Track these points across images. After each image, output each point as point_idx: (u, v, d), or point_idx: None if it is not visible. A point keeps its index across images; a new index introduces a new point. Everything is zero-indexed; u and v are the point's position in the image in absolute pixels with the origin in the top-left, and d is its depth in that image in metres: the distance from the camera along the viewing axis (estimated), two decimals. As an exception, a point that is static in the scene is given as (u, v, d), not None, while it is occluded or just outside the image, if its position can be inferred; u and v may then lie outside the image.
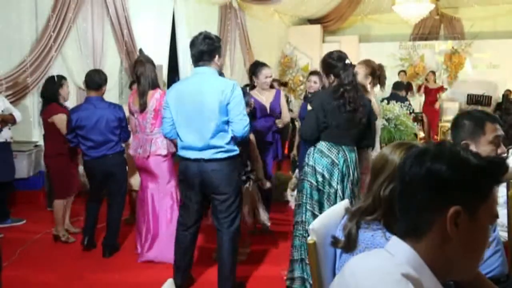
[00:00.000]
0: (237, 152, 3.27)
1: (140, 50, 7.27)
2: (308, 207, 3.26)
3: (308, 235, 3.14)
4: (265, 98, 4.55)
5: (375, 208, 1.71)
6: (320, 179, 3.25)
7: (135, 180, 5.07)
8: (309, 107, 3.40)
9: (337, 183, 3.25)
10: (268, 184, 4.15)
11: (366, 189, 1.80)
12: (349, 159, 3.30)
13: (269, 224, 4.29)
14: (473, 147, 1.98)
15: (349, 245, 1.68)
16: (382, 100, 5.17)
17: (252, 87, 4.69)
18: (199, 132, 3.14)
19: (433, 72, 10.68)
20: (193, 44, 3.23)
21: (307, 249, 3.13)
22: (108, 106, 4.13)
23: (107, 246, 4.19)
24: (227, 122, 3.16)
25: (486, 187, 1.04)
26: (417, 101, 11.05)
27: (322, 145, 3.30)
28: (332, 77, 3.35)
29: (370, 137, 3.50)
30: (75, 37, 6.45)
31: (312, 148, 3.34)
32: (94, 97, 4.11)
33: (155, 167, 3.99)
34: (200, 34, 3.25)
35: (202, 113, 3.12)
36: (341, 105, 3.21)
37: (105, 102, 4.16)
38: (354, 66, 3.39)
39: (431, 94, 10.37)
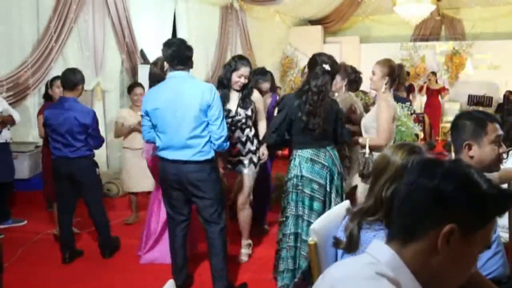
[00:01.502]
0: (213, 155, 3.27)
1: (141, 51, 7.31)
2: (305, 218, 3.24)
3: (297, 246, 3.20)
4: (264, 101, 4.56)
5: (377, 209, 1.71)
6: (316, 187, 3.25)
7: (132, 183, 5.09)
8: (276, 112, 3.39)
9: (330, 185, 3.28)
10: (265, 153, 4.07)
11: (368, 190, 1.80)
12: (334, 157, 3.33)
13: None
14: (475, 148, 1.98)
15: (351, 245, 1.68)
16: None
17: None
18: (178, 133, 3.16)
19: (434, 73, 10.68)
20: (172, 45, 3.27)
21: (297, 258, 3.19)
22: (77, 110, 3.96)
23: (105, 248, 4.18)
24: (206, 125, 3.17)
25: (489, 215, 1.04)
26: (418, 102, 11.05)
27: (308, 152, 3.29)
28: (306, 70, 3.40)
29: (345, 133, 3.48)
30: (76, 38, 6.46)
31: (299, 158, 3.30)
32: (67, 98, 3.98)
33: None
34: (177, 39, 3.35)
35: (181, 114, 3.14)
36: (301, 103, 3.24)
37: (77, 104, 4.00)
38: (333, 75, 3.35)
39: (433, 95, 10.36)
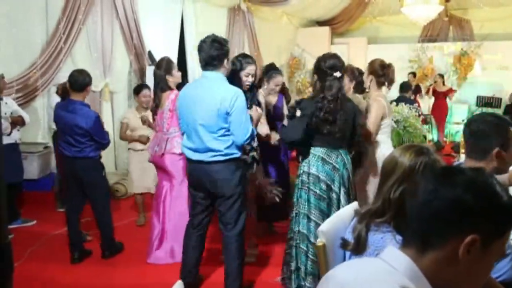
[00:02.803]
0: (238, 155, 3.26)
1: (149, 53, 7.33)
2: (312, 217, 3.22)
3: (307, 246, 3.19)
4: (272, 101, 4.54)
5: (385, 211, 1.70)
6: (324, 187, 3.23)
7: (135, 183, 5.12)
8: (298, 113, 3.36)
9: (339, 188, 3.24)
10: (272, 136, 4.02)
11: (376, 192, 1.79)
12: (346, 161, 3.31)
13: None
14: (504, 154, 1.97)
15: (359, 247, 1.67)
16: (391, 102, 5.14)
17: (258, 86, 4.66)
18: (198, 135, 3.18)
19: (441, 75, 10.60)
20: (201, 48, 3.23)
21: (307, 258, 3.17)
22: (79, 114, 3.96)
23: (105, 248, 4.20)
24: (228, 129, 3.16)
25: (508, 226, 1.05)
26: (425, 103, 10.99)
27: (320, 151, 3.27)
28: (315, 77, 3.33)
29: (358, 137, 3.48)
30: (84, 39, 6.49)
31: (310, 156, 3.29)
32: (74, 101, 4.00)
33: (170, 166, 4.02)
34: (208, 37, 3.25)
35: (201, 117, 3.15)
36: (319, 113, 3.20)
37: (80, 108, 3.99)
38: (341, 78, 3.31)
39: (440, 97, 10.30)
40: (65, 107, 4.06)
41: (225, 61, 3.25)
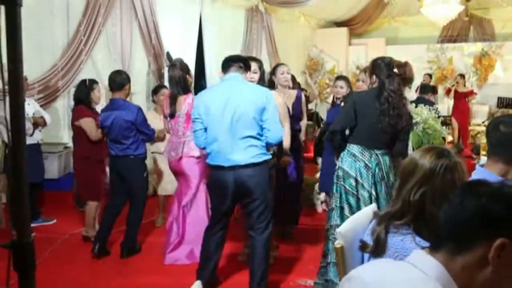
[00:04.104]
0: (270, 157, 3.27)
1: (168, 53, 7.37)
2: (346, 212, 3.24)
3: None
4: (286, 98, 4.48)
5: (404, 213, 1.69)
6: (353, 183, 3.25)
7: (166, 185, 5.15)
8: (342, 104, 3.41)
9: (371, 186, 3.23)
10: (288, 159, 4.03)
11: (395, 194, 1.78)
12: (382, 162, 3.29)
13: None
14: None
15: (378, 249, 1.66)
16: (411, 103, 5.09)
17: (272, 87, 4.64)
18: (231, 138, 3.12)
19: (462, 76, 10.43)
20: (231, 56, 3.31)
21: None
22: (123, 108, 4.13)
23: (124, 247, 4.24)
24: (261, 128, 3.15)
25: None
26: (445, 105, 10.86)
27: (354, 148, 3.30)
28: (374, 78, 3.37)
29: (404, 146, 3.45)
30: (104, 41, 6.59)
31: (345, 152, 3.34)
32: (115, 99, 4.18)
33: (188, 169, 4.03)
34: None
35: (237, 117, 3.10)
36: (385, 109, 3.22)
37: (123, 103, 4.17)
38: (400, 76, 3.36)
39: (460, 98, 10.14)
40: (110, 106, 4.23)
41: (248, 73, 3.35)
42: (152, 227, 5.06)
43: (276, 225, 4.46)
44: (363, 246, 1.73)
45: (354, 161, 3.27)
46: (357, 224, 1.92)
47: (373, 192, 3.23)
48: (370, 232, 1.75)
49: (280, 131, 3.20)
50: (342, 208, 3.29)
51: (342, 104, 3.45)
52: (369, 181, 3.24)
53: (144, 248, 4.42)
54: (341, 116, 3.43)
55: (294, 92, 4.59)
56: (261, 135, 3.16)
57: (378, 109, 3.23)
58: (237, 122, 3.10)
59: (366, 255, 1.79)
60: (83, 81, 4.67)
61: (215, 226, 3.38)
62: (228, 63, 3.25)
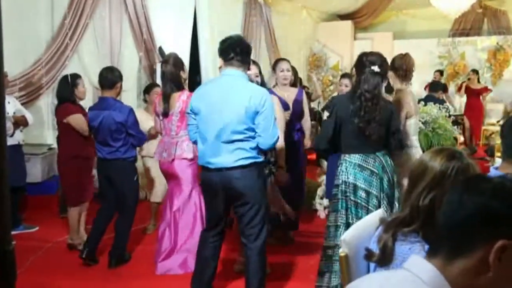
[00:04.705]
0: (261, 159, 3.26)
1: (160, 48, 7.38)
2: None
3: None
4: (286, 96, 4.51)
5: (413, 219, 1.69)
6: (363, 195, 3.24)
7: (154, 192, 5.14)
8: (325, 115, 3.39)
9: (379, 192, 3.24)
10: (284, 175, 3.98)
11: (403, 198, 1.78)
12: (385, 164, 3.30)
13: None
14: None
15: (384, 258, 1.66)
16: (418, 102, 5.10)
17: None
18: (221, 138, 3.13)
19: (476, 71, 10.44)
20: (232, 39, 3.25)
21: None
22: (113, 108, 4.10)
23: (113, 256, 4.22)
24: (253, 130, 3.14)
25: None
26: (457, 103, 10.86)
27: (356, 158, 3.29)
28: (354, 72, 3.41)
29: (398, 140, 3.46)
30: (91, 35, 6.57)
31: (346, 164, 3.31)
32: (105, 97, 4.18)
33: (180, 172, 4.03)
34: (236, 35, 3.34)
35: (227, 117, 3.11)
36: (355, 110, 3.22)
37: (114, 103, 4.15)
38: (383, 75, 3.36)
39: (473, 96, 10.15)
40: (99, 105, 4.23)
41: (250, 62, 3.30)
42: (143, 234, 5.06)
43: (276, 230, 4.50)
44: (368, 255, 1.73)
45: (360, 171, 3.25)
46: (362, 231, 1.92)
47: (383, 197, 3.24)
48: (377, 239, 1.75)
49: (273, 137, 3.15)
50: (349, 225, 3.22)
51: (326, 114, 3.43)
52: (376, 186, 3.25)
53: (134, 256, 4.42)
54: (322, 130, 3.41)
55: (294, 90, 4.62)
56: (253, 137, 3.15)
57: (351, 109, 3.23)
58: (227, 126, 3.11)
59: (372, 265, 1.79)
60: (65, 78, 4.61)
61: (211, 230, 3.40)
62: (229, 54, 3.19)
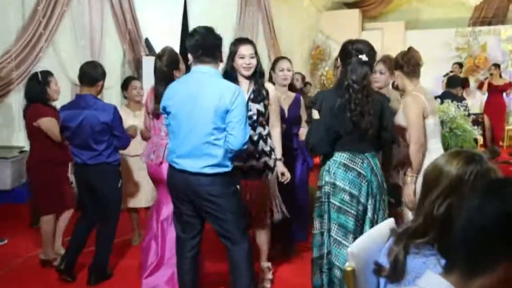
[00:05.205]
0: (229, 169, 3.28)
1: (146, 40, 7.39)
2: (332, 234, 3.24)
3: (330, 269, 3.19)
4: (282, 99, 4.53)
5: (427, 229, 1.69)
6: (346, 198, 3.24)
7: (134, 198, 5.14)
8: (315, 115, 3.39)
9: (366, 199, 3.25)
10: (286, 175, 4.02)
11: (416, 207, 1.78)
12: (374, 167, 3.32)
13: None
14: None
15: (396, 273, 1.66)
16: (436, 98, 5.11)
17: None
18: (189, 138, 3.20)
19: (498, 65, 10.46)
20: (200, 34, 3.29)
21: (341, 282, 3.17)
22: (94, 107, 4.08)
23: (93, 272, 4.22)
24: (223, 131, 3.18)
25: None
26: (477, 100, 10.89)
27: (342, 156, 3.30)
28: (339, 63, 3.40)
29: (389, 134, 3.51)
30: (69, 24, 6.56)
31: (329, 163, 3.32)
32: (85, 95, 4.14)
33: None
34: (205, 27, 3.36)
35: (195, 116, 3.17)
36: (345, 104, 3.23)
37: (94, 101, 4.13)
38: (371, 65, 3.38)
39: (495, 92, 10.16)
40: (74, 104, 4.17)
41: (221, 55, 3.34)
42: (126, 247, 5.05)
43: (276, 244, 4.51)
44: (378, 270, 1.73)
45: (344, 171, 3.26)
46: (371, 243, 1.93)
47: (369, 206, 3.25)
48: (387, 252, 1.76)
49: (244, 136, 3.17)
50: (329, 231, 3.27)
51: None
52: (365, 192, 3.25)
53: (116, 272, 4.41)
54: (315, 133, 3.38)
55: (292, 95, 4.70)
56: (223, 140, 3.19)
57: (338, 104, 3.24)
58: (195, 126, 3.17)
59: (382, 280, 1.80)
60: (35, 75, 4.55)
61: (184, 242, 3.45)
62: (197, 51, 3.25)
